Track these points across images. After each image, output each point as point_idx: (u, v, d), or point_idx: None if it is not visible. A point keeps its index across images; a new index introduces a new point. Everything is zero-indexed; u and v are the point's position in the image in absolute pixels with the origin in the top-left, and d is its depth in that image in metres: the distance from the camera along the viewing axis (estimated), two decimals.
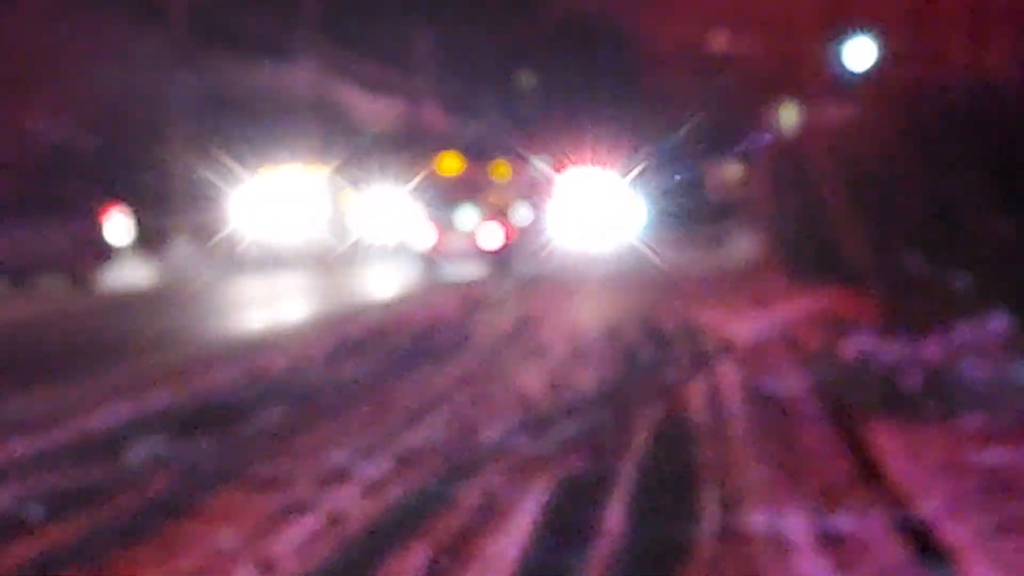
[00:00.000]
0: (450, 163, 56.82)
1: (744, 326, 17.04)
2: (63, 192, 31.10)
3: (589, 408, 11.51)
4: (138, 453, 9.22)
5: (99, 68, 36.31)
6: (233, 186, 37.02)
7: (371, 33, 54.36)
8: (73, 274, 29.54)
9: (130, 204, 33.87)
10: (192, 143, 40.61)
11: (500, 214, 35.64)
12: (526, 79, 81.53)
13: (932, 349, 10.52)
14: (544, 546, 6.98)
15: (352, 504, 7.84)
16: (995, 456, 8.23)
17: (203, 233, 36.80)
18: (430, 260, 33.30)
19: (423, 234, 34.22)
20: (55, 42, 34.22)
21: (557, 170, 70.04)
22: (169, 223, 37.99)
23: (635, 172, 71.70)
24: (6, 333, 20.33)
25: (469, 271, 32.73)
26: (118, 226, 32.13)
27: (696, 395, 11.87)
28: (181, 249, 36.24)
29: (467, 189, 40.90)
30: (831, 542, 6.69)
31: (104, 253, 30.91)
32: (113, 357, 16.14)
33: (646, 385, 13.23)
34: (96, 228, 30.84)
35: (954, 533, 6.64)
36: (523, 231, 36.85)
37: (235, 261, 34.85)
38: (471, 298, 23.69)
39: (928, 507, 7.17)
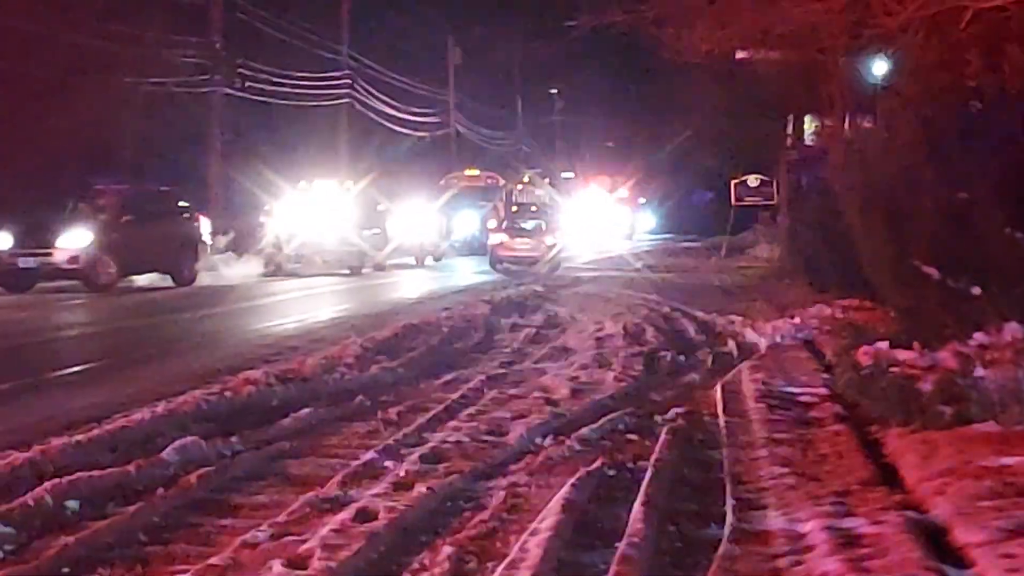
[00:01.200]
0: (473, 174, 56.99)
1: (764, 332, 17.10)
2: (163, 198, 32.30)
3: (617, 407, 11.69)
4: None
5: (148, 83, 37.06)
6: (276, 197, 37.49)
7: (404, 48, 54.49)
8: (174, 272, 30.81)
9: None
10: (237, 156, 41.08)
11: (545, 222, 39.11)
12: (554, 93, 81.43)
13: (947, 358, 10.56)
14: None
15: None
16: (1008, 462, 8.25)
17: (256, 240, 37.19)
18: (496, 259, 37.53)
19: (491, 238, 39.12)
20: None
21: (584, 182, 70.08)
22: (245, 229, 38.48)
23: (658, 183, 71.32)
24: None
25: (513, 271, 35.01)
26: (205, 230, 33.03)
27: (718, 397, 12.01)
28: (255, 253, 36.69)
29: (510, 199, 43.71)
30: (848, 542, 6.77)
31: (198, 254, 32.19)
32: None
33: (669, 386, 13.38)
34: (191, 231, 32.11)
35: (967, 536, 6.70)
36: (562, 238, 39.94)
37: (280, 265, 35.20)
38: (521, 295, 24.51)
39: (942, 510, 7.26)
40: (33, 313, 23.13)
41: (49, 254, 28.12)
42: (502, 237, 38.24)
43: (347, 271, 35.29)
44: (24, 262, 28.16)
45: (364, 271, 36.09)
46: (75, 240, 28.27)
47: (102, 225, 28.85)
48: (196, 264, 31.90)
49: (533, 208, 41.33)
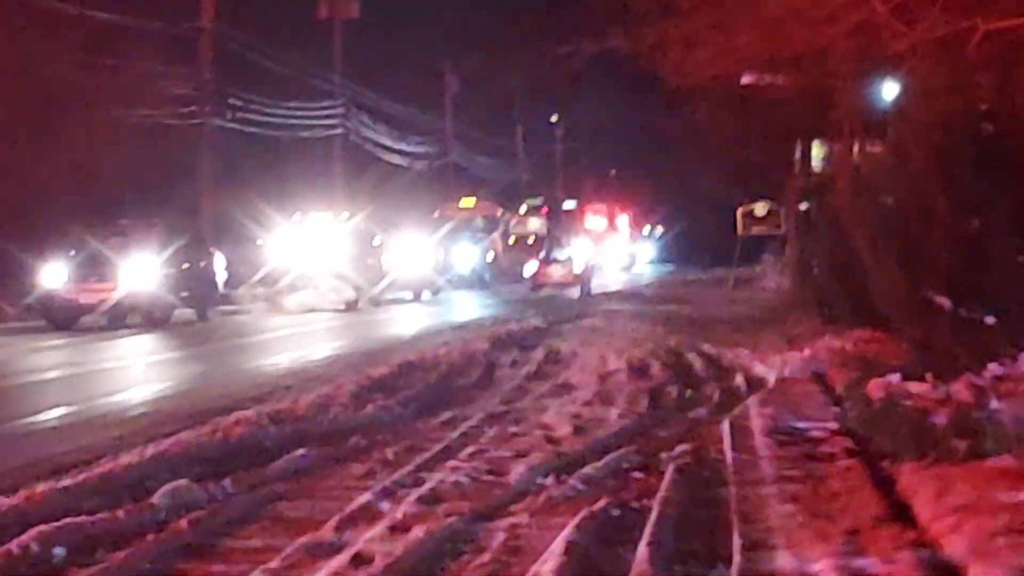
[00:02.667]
0: (469, 205, 57.16)
1: (772, 366, 17.01)
2: (191, 233, 33.04)
3: (621, 444, 11.53)
4: None
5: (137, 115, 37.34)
6: (270, 230, 37.60)
7: (400, 76, 54.62)
8: (199, 307, 31.25)
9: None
10: (229, 189, 41.19)
11: (573, 252, 45.25)
12: (554, 121, 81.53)
13: (961, 390, 10.42)
14: None
15: None
16: None
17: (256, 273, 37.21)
18: (535, 285, 42.48)
19: (527, 268, 44.92)
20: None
21: (584, 211, 70.29)
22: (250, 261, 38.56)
23: (662, 212, 71.67)
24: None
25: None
26: (220, 265, 33.49)
27: (725, 433, 11.83)
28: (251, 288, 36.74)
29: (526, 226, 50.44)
30: None
31: (217, 290, 32.97)
32: None
33: (675, 422, 13.26)
34: (213, 266, 32.75)
35: (983, 574, 6.55)
36: (590, 264, 44.74)
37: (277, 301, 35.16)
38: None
39: (957, 548, 7.07)
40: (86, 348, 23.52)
41: (112, 290, 28.41)
42: (539, 267, 44.15)
43: (342, 306, 35.12)
44: (86, 298, 28.41)
45: (360, 306, 35.91)
46: (138, 276, 28.65)
47: (158, 261, 29.33)
48: (215, 298, 32.57)
49: (558, 239, 47.23)
